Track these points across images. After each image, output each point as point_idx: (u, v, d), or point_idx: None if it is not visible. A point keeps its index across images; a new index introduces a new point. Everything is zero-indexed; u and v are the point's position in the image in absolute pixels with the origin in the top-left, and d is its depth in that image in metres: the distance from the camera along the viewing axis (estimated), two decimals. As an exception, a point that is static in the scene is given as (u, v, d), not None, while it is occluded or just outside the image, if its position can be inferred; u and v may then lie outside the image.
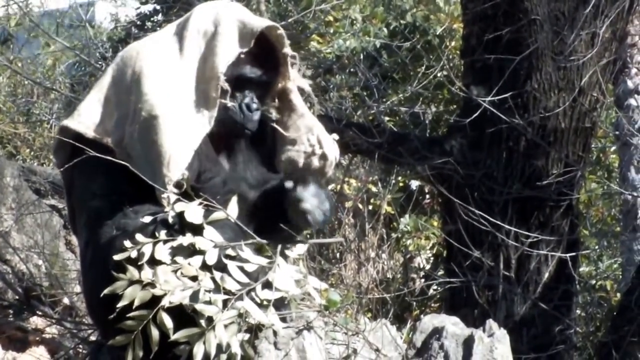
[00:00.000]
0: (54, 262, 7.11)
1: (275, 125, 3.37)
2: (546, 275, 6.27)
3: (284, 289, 3.06)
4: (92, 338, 6.49)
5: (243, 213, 3.15)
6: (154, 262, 3.02)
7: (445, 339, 3.37)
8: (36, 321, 7.05)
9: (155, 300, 2.97)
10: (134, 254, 3.01)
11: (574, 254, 6.27)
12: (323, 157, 3.41)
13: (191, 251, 3.03)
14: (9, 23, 11.37)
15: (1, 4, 10.84)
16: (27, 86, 11.53)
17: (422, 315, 6.96)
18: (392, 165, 7.96)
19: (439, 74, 8.15)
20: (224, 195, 3.15)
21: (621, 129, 7.13)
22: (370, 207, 8.83)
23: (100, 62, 8.68)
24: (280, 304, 3.11)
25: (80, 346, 6.86)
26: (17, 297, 6.99)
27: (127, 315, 2.98)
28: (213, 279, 2.99)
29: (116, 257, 3.03)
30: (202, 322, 2.96)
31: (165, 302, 2.95)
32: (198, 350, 2.94)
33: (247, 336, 3.02)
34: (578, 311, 7.23)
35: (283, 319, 3.10)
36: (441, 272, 7.01)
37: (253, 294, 3.01)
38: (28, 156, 10.99)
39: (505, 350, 3.37)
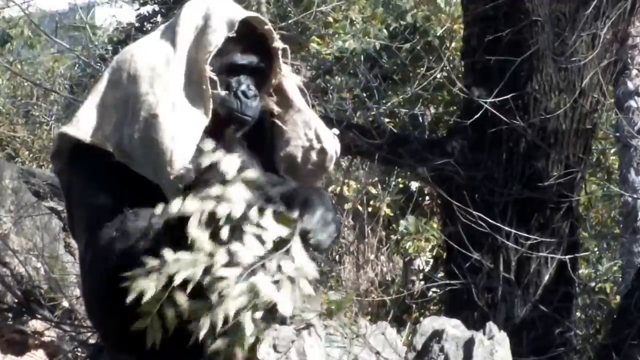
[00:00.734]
0: (53, 264, 7.09)
1: (274, 119, 3.35)
2: (546, 277, 6.26)
3: (300, 265, 2.98)
4: (92, 341, 6.48)
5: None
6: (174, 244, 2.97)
7: (446, 342, 3.36)
8: (35, 324, 7.04)
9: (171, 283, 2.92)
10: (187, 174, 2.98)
11: (573, 256, 6.26)
12: (322, 151, 3.39)
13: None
14: (9, 25, 11.39)
15: (1, 5, 10.84)
16: (26, 88, 11.55)
17: (421, 318, 6.96)
18: (392, 166, 7.97)
19: (439, 75, 8.14)
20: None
21: (621, 131, 7.12)
22: (370, 209, 8.83)
23: (99, 64, 8.67)
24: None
25: (80, 349, 6.86)
26: (16, 300, 6.98)
27: (143, 300, 2.92)
28: (228, 250, 2.94)
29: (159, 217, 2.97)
30: (213, 297, 2.90)
31: (177, 280, 2.89)
32: (204, 323, 2.88)
33: (259, 314, 2.92)
34: (578, 313, 7.22)
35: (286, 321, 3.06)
36: (441, 274, 7.01)
37: (267, 267, 2.95)
38: (27, 158, 11.00)
39: (505, 353, 3.37)
